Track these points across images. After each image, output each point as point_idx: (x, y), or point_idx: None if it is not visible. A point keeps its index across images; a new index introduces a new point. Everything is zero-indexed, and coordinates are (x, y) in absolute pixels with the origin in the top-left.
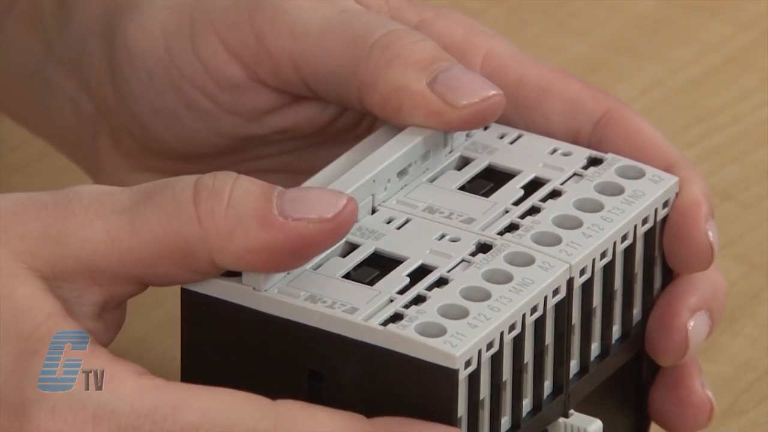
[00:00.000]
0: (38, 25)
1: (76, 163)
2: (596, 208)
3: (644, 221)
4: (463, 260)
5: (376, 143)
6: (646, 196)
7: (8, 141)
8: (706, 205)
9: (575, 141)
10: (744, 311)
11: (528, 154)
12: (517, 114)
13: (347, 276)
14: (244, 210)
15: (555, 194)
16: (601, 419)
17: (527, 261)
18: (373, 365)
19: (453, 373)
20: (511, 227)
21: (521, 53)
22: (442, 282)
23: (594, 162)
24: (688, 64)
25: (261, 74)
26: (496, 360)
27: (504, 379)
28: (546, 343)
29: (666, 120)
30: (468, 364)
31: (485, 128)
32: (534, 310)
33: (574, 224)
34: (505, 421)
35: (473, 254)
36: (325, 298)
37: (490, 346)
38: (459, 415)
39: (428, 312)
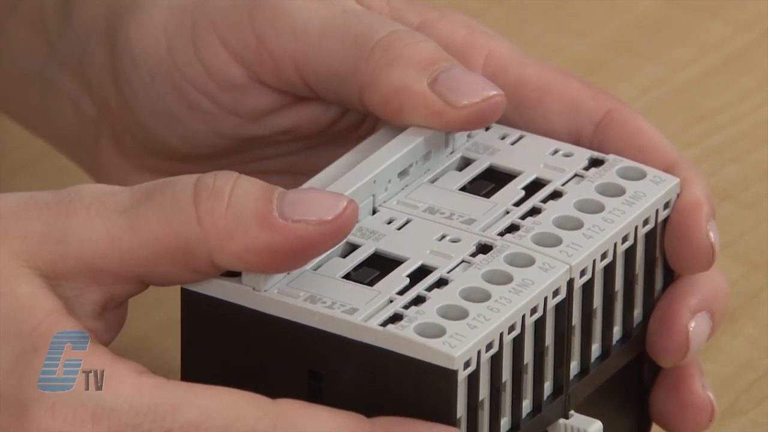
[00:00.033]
0: (40, 26)
1: (78, 164)
2: (597, 209)
3: (645, 222)
4: (463, 261)
5: (377, 144)
6: (647, 197)
7: (8, 141)
8: (707, 205)
9: (576, 142)
10: (744, 311)
11: (529, 155)
12: (518, 114)
13: (347, 276)
14: (244, 210)
15: (556, 195)
16: (601, 420)
17: (527, 262)
18: (373, 366)
19: (452, 374)
20: (512, 228)
21: (522, 54)
22: (442, 283)
23: (595, 163)
24: (688, 64)
25: (262, 75)
26: (496, 361)
27: (504, 380)
28: (546, 344)
29: (666, 120)
30: (467, 364)
31: (486, 129)
32: (534, 311)
33: (575, 225)
34: (505, 422)
35: (473, 255)
36: (324, 299)
37: (489, 346)
38: (458, 416)
39: (428, 313)
